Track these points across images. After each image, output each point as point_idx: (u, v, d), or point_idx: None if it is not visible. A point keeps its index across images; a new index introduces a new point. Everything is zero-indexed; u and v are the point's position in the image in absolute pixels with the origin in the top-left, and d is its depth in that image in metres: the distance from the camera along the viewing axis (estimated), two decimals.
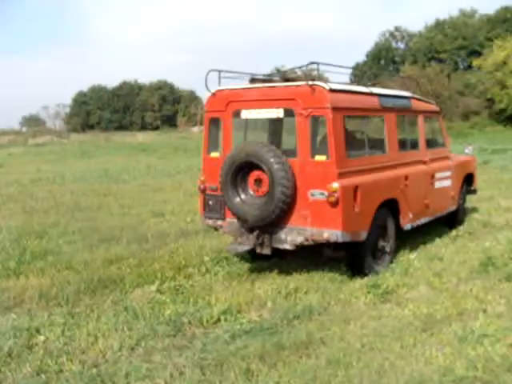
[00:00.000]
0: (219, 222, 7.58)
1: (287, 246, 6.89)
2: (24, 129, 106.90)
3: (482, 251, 8.01)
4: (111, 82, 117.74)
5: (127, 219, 10.99)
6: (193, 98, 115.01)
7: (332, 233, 6.53)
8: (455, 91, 55.35)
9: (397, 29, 74.47)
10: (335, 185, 6.44)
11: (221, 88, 7.56)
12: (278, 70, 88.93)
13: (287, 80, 7.89)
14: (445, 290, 6.46)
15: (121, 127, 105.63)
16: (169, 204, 12.67)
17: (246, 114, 7.38)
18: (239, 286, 6.74)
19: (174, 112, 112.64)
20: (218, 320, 5.64)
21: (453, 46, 61.34)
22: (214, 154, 7.68)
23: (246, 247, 7.09)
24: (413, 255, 7.97)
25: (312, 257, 7.69)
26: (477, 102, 53.65)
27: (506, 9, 59.30)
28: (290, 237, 6.85)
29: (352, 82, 11.20)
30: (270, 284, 6.74)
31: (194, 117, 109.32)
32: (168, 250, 8.33)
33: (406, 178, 7.86)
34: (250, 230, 7.08)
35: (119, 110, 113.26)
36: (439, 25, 65.52)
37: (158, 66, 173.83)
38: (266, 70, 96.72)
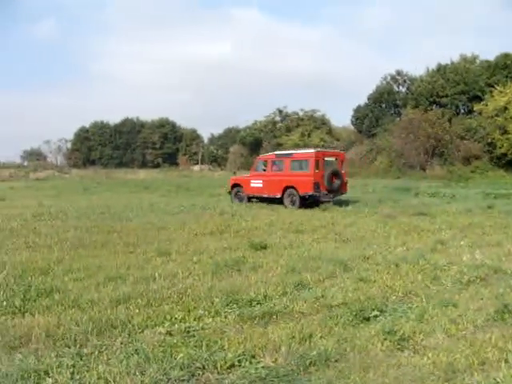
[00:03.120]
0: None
1: None
2: (25, 163, 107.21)
3: (496, 298, 7.86)
4: (113, 118, 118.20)
5: (133, 257, 10.81)
6: (194, 136, 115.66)
7: None
8: (456, 135, 55.75)
9: (398, 73, 75.26)
10: None
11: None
12: (280, 111, 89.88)
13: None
14: (462, 338, 6.29)
15: (121, 164, 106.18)
16: (174, 243, 12.50)
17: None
18: (251, 329, 6.57)
19: (174, 150, 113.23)
20: (233, 365, 5.47)
21: (454, 91, 61.82)
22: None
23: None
24: (427, 301, 7.81)
25: (322, 299, 7.58)
26: (478, 146, 54.13)
27: (506, 55, 59.88)
28: None
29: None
30: (283, 328, 6.57)
31: (194, 155, 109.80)
32: (176, 290, 8.15)
33: None
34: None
35: (120, 146, 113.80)
36: (441, 69, 66.15)
37: (159, 104, 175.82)
38: (268, 111, 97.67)
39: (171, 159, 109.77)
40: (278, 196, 24.06)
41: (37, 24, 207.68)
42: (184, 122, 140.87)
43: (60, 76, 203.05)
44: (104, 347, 5.93)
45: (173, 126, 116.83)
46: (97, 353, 5.77)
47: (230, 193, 26.88)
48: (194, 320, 6.90)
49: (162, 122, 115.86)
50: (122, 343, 6.08)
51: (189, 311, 7.19)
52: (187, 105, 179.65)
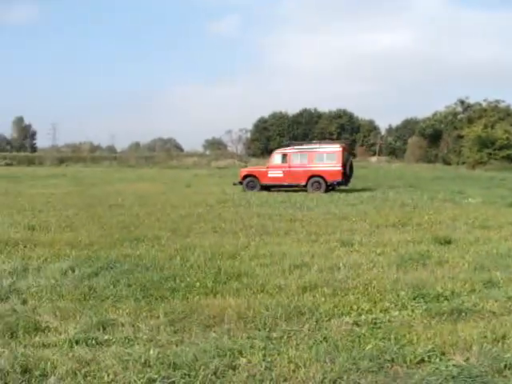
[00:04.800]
0: None
1: None
2: (207, 151, 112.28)
3: None
4: (292, 109, 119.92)
5: (316, 246, 10.95)
6: (371, 127, 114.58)
7: None
8: None
9: None
10: None
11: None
12: (462, 102, 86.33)
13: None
14: None
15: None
16: (356, 234, 12.48)
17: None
18: (440, 325, 6.36)
19: (351, 141, 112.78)
20: (422, 360, 5.32)
21: None
22: None
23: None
24: None
25: None
26: None
27: None
28: None
29: None
30: (474, 327, 6.28)
31: (372, 146, 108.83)
32: (361, 281, 8.12)
33: None
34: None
35: (298, 137, 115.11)
36: None
37: (336, 94, 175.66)
38: (449, 101, 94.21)
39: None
40: (303, 184, 28.58)
41: (219, 21, 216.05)
42: (361, 112, 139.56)
43: (242, 69, 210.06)
44: (292, 332, 6.04)
45: (350, 116, 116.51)
46: (286, 337, 5.88)
47: (240, 183, 30.05)
48: (381, 312, 6.81)
49: (339, 113, 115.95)
50: (309, 330, 6.14)
51: (375, 303, 7.13)
52: (364, 95, 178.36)
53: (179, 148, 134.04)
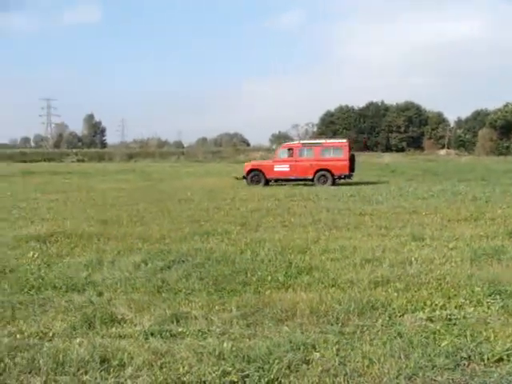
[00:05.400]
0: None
1: None
2: (274, 146, 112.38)
3: None
4: (358, 102, 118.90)
5: (386, 240, 10.82)
6: (440, 119, 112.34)
7: None
8: None
9: None
10: None
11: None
12: None
13: None
14: None
15: (366, 147, 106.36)
16: (427, 228, 12.27)
17: None
18: None
19: (419, 134, 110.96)
20: (501, 359, 5.18)
21: None
22: None
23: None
24: None
25: None
26: None
27: None
28: None
29: None
30: None
31: (440, 139, 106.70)
32: (434, 276, 7.98)
33: None
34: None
35: (365, 130, 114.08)
36: None
37: (403, 87, 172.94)
38: None
39: (416, 143, 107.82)
40: (310, 177, 29.50)
41: (283, 14, 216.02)
42: (429, 105, 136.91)
43: (307, 62, 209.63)
44: (365, 328, 5.98)
45: (418, 109, 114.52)
46: (359, 332, 5.84)
47: (244, 178, 30.43)
48: (455, 308, 6.67)
49: (406, 106, 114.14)
50: (382, 325, 6.08)
51: (449, 298, 6.99)
52: (432, 87, 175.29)
53: (245, 143, 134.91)
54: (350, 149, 30.55)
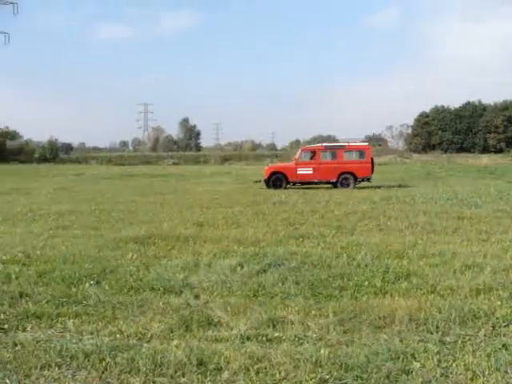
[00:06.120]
0: None
1: None
2: None
3: None
4: (454, 102, 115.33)
5: (487, 246, 10.42)
6: None
7: None
8: None
9: None
10: None
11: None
12: None
13: None
14: None
15: (462, 148, 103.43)
16: None
17: None
18: None
19: None
20: None
21: None
22: None
23: None
24: None
25: None
26: None
27: None
28: None
29: None
30: None
31: None
32: None
33: None
34: None
35: (461, 131, 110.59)
36: None
37: (502, 85, 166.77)
38: None
39: None
40: (333, 180, 29.68)
41: (378, 14, 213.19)
42: None
43: (402, 62, 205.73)
44: (467, 337, 5.75)
45: None
46: (460, 342, 5.62)
47: (265, 181, 30.15)
48: None
49: (505, 105, 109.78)
50: (485, 335, 5.83)
51: None
52: None
53: None
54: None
